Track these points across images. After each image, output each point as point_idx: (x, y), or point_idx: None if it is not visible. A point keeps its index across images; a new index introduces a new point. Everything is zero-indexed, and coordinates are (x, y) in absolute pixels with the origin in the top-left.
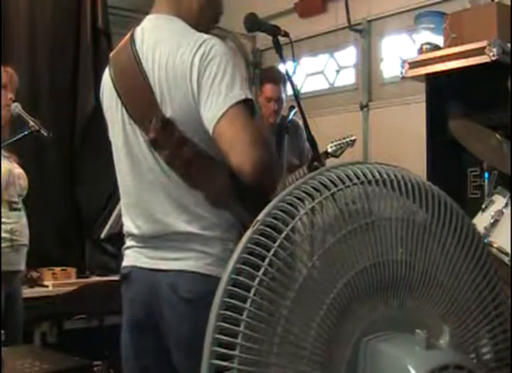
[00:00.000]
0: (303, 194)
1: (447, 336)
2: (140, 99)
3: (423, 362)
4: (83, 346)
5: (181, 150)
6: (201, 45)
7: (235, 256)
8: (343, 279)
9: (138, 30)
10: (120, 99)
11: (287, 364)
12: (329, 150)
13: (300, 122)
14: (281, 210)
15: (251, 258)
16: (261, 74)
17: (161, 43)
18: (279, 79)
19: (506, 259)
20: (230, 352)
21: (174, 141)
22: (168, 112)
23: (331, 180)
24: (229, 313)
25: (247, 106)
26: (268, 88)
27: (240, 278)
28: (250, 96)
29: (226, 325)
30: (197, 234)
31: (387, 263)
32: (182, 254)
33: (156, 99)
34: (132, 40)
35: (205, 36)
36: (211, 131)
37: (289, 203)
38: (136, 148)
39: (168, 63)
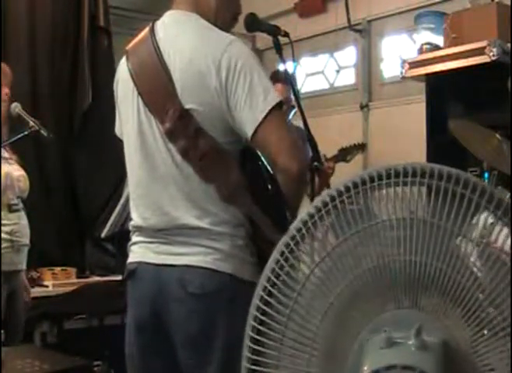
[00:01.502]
0: (319, 202)
1: (413, 335)
2: (159, 89)
3: (374, 361)
4: (83, 346)
5: (197, 142)
6: (228, 45)
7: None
8: (345, 279)
9: (159, 24)
10: (138, 89)
11: (288, 360)
12: (338, 154)
13: (300, 123)
14: (304, 220)
15: (271, 261)
16: (271, 75)
17: (183, 37)
18: (288, 80)
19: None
20: (246, 342)
21: (191, 132)
22: (187, 103)
23: (346, 186)
24: (255, 312)
25: (282, 106)
26: (279, 88)
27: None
28: (281, 98)
29: (253, 323)
30: (206, 229)
31: (393, 263)
32: (190, 249)
33: (175, 90)
34: (153, 32)
35: (231, 36)
36: (251, 133)
37: (309, 213)
38: (150, 140)
39: (191, 56)
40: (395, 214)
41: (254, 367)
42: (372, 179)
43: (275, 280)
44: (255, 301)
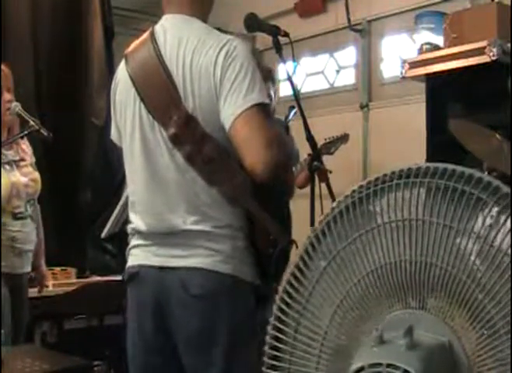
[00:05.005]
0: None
1: (403, 335)
2: (162, 94)
3: (362, 358)
4: (83, 346)
5: (203, 146)
6: (225, 44)
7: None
8: (353, 280)
9: (158, 28)
10: (140, 94)
11: (300, 355)
12: (321, 147)
13: (299, 122)
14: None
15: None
16: None
17: (185, 41)
18: (267, 78)
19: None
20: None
21: (196, 137)
22: (191, 108)
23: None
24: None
25: (265, 108)
26: None
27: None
28: (267, 101)
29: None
30: (206, 231)
31: (399, 264)
32: (191, 251)
33: (179, 95)
34: (153, 37)
35: (229, 36)
36: (227, 128)
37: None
38: (153, 145)
39: (193, 59)
40: (396, 215)
41: (272, 361)
42: (376, 182)
43: (296, 276)
44: (278, 297)
